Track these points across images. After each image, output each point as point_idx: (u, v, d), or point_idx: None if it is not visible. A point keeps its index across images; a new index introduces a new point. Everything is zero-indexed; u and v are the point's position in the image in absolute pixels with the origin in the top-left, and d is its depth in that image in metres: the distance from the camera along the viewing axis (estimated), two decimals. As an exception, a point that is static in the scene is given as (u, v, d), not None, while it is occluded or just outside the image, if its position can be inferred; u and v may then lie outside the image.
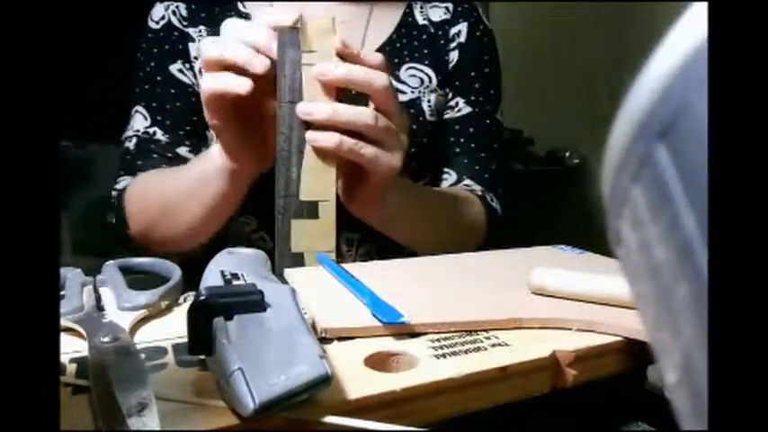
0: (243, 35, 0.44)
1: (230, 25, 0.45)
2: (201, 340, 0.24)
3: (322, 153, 0.45)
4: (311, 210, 0.45)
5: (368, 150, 0.44)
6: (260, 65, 0.42)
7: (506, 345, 0.29)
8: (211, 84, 0.44)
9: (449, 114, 0.67)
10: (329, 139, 0.43)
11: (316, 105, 0.44)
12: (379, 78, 0.44)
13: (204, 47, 0.44)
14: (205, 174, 0.51)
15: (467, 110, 0.67)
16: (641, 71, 0.12)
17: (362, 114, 0.43)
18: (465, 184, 0.67)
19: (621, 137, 0.12)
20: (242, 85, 0.43)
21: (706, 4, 0.11)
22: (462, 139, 0.67)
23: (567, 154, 2.03)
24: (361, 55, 0.45)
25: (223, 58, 0.43)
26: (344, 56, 0.44)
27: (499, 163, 0.69)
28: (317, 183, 0.45)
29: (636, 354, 0.30)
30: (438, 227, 0.59)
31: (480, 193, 0.66)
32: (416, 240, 0.57)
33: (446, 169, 0.67)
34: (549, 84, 2.06)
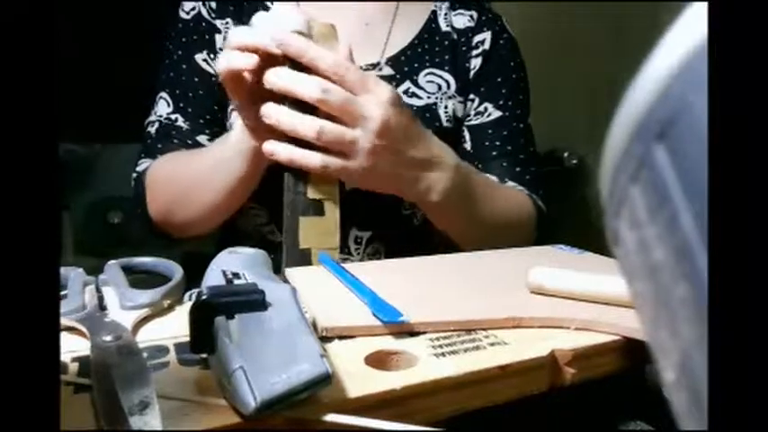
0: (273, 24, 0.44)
1: (260, 17, 0.45)
2: (203, 339, 0.24)
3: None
4: (317, 208, 0.46)
5: (332, 163, 0.44)
6: (296, 45, 0.43)
7: (505, 344, 0.29)
8: (222, 62, 0.44)
9: (479, 120, 0.67)
10: (282, 153, 0.44)
11: (271, 107, 0.44)
12: (315, 89, 0.42)
13: (234, 33, 0.45)
14: (224, 155, 0.52)
15: (497, 114, 0.67)
16: (641, 71, 0.12)
17: (302, 125, 0.43)
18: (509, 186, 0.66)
19: (620, 137, 0.13)
20: (247, 61, 0.43)
21: (706, 4, 0.11)
22: (498, 143, 0.66)
23: (567, 154, 2.02)
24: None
25: (256, 44, 0.43)
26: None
27: (537, 166, 0.69)
28: (324, 181, 0.46)
29: (634, 353, 0.30)
30: (490, 221, 0.58)
31: (527, 193, 0.65)
32: (468, 232, 0.57)
33: (486, 174, 0.66)
34: (548, 84, 2.06)
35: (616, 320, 0.31)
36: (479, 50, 0.67)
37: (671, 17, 0.12)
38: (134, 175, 0.64)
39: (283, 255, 0.46)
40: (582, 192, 1.91)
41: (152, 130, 0.64)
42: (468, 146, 0.67)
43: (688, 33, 0.11)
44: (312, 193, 0.46)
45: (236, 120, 0.61)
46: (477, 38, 0.67)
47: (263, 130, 0.47)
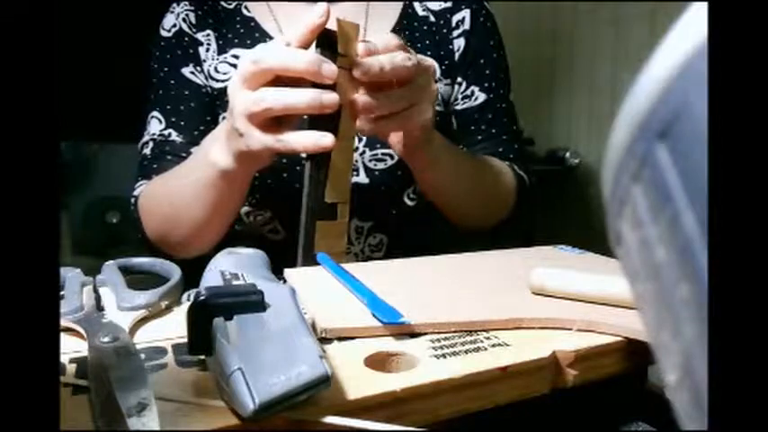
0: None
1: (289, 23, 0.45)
2: (201, 340, 0.24)
3: (344, 155, 0.46)
4: (332, 211, 0.47)
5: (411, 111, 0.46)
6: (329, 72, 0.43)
7: (506, 345, 0.29)
8: (277, 97, 0.42)
9: (467, 104, 0.68)
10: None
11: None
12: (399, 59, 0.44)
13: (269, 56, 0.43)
14: (209, 179, 0.51)
15: (483, 97, 0.68)
16: (641, 71, 0.12)
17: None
18: None
19: (622, 137, 0.12)
20: (303, 99, 0.42)
21: (706, 4, 0.11)
22: (483, 127, 0.68)
23: (567, 154, 2.02)
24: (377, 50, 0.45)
25: (287, 67, 0.42)
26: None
27: (520, 143, 0.70)
28: (340, 184, 0.47)
29: (636, 354, 0.30)
30: (480, 191, 0.60)
31: (508, 164, 0.67)
32: (461, 204, 0.59)
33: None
34: (548, 83, 2.06)
35: (618, 321, 0.31)
36: (460, 30, 0.67)
37: (671, 17, 0.12)
38: (132, 200, 0.64)
39: (298, 258, 0.46)
40: (583, 191, 1.91)
41: (147, 151, 0.64)
42: (453, 129, 0.68)
43: (688, 33, 0.11)
44: (329, 197, 0.47)
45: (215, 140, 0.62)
46: (456, 17, 0.68)
47: (272, 152, 0.46)
